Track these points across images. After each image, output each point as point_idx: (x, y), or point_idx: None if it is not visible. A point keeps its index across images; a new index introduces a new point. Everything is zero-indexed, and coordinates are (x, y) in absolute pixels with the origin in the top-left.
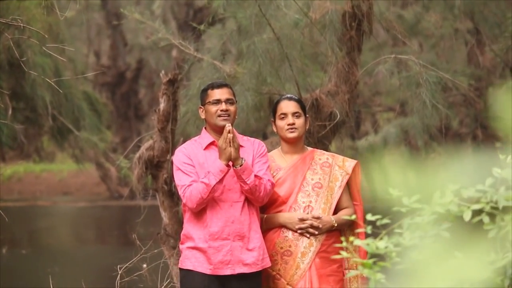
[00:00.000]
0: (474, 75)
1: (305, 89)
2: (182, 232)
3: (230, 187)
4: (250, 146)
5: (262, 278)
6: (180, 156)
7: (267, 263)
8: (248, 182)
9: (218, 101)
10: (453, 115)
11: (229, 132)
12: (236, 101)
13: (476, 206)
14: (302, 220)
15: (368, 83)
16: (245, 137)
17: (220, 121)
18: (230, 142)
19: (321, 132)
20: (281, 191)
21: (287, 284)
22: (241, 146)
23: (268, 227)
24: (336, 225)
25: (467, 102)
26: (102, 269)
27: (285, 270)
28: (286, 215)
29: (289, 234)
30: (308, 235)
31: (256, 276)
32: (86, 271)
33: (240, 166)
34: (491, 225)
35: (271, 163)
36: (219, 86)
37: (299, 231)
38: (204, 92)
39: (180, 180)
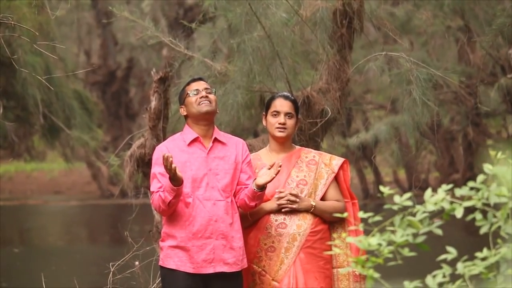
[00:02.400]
0: (465, 73)
1: (296, 86)
2: (163, 230)
3: (213, 185)
4: (233, 146)
5: (248, 275)
6: (158, 156)
7: (245, 264)
8: (254, 205)
9: (197, 91)
10: (444, 112)
11: (276, 166)
12: (215, 93)
13: (468, 203)
14: (280, 196)
15: (359, 81)
16: (227, 135)
17: (203, 107)
18: (172, 170)
19: (312, 129)
20: (266, 189)
21: (272, 280)
22: (223, 143)
23: (253, 218)
24: (314, 204)
25: (458, 100)
26: (94, 267)
27: (269, 266)
28: (268, 203)
29: (272, 230)
30: (292, 206)
31: (238, 275)
32: (78, 269)
33: (261, 191)
34: (483, 221)
35: (257, 162)
36: (195, 80)
37: (280, 206)
38: (182, 91)
39: (151, 183)
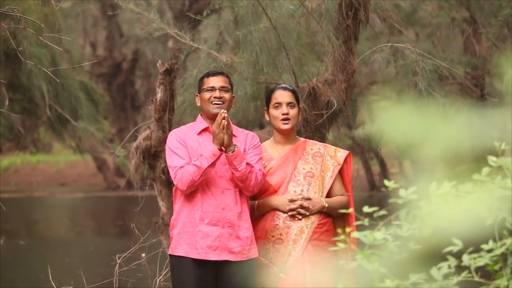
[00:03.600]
0: (471, 64)
1: (302, 78)
2: (173, 217)
3: (222, 174)
4: (243, 138)
5: (254, 266)
6: (174, 138)
7: (254, 254)
8: (239, 169)
9: (212, 88)
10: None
11: (223, 118)
12: (233, 90)
13: (473, 196)
14: (292, 201)
15: (364, 72)
16: (239, 129)
17: (213, 108)
18: (223, 128)
19: (318, 121)
20: (272, 180)
21: (279, 272)
22: (235, 136)
23: (260, 212)
24: (326, 205)
25: (463, 91)
26: (100, 259)
27: (276, 258)
28: (277, 198)
29: (280, 222)
30: (299, 217)
31: (249, 264)
32: (85, 261)
33: (232, 152)
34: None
35: (263, 153)
36: (215, 74)
37: (290, 213)
38: (200, 80)
39: (172, 161)
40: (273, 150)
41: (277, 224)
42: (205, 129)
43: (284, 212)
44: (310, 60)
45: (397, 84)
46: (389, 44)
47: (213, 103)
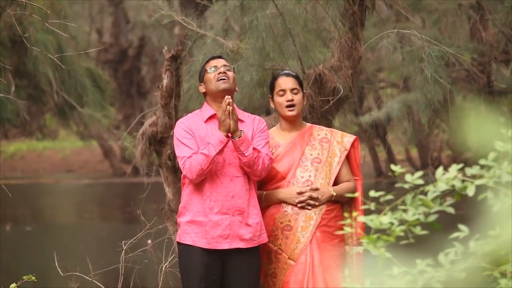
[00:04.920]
0: (477, 50)
1: (308, 64)
2: (180, 205)
3: (230, 162)
4: (250, 122)
5: (263, 253)
6: (181, 128)
7: (264, 239)
8: (246, 154)
9: (215, 68)
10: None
11: (228, 104)
12: (235, 72)
13: (480, 181)
14: (300, 193)
15: (371, 59)
16: (245, 113)
17: (220, 84)
18: (229, 114)
19: (324, 107)
20: (280, 167)
21: (288, 258)
22: (241, 121)
23: (267, 203)
24: (335, 194)
25: (470, 78)
26: (106, 245)
27: (286, 245)
28: (284, 191)
29: (289, 209)
30: (309, 207)
31: (255, 251)
32: (91, 248)
33: (239, 137)
34: (495, 199)
35: (270, 140)
36: (214, 57)
37: (299, 205)
38: (201, 69)
39: (180, 151)
40: (280, 137)
41: (285, 211)
42: (212, 116)
43: (292, 205)
44: (317, 46)
45: (403, 71)
46: (395, 31)
47: (218, 79)
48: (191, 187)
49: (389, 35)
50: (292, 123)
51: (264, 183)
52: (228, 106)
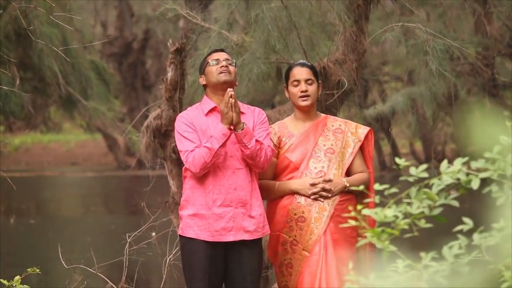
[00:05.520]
0: (482, 44)
1: (312, 57)
2: (182, 199)
3: (232, 154)
4: (251, 114)
5: (278, 244)
6: (182, 121)
7: (267, 231)
8: (249, 147)
9: (217, 61)
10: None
11: (231, 96)
12: (236, 65)
13: (485, 174)
14: (313, 185)
15: (375, 52)
16: (245, 105)
17: (221, 76)
18: (231, 106)
19: (328, 100)
20: (293, 157)
21: (303, 249)
22: (242, 113)
23: (280, 194)
24: (348, 185)
25: (474, 71)
26: (110, 238)
27: (300, 236)
28: (297, 182)
29: (302, 200)
30: (322, 199)
31: (257, 242)
32: (95, 240)
33: (241, 130)
34: (500, 192)
35: (284, 130)
36: (216, 50)
37: (312, 197)
38: (203, 61)
39: (182, 146)
40: (294, 127)
41: (299, 202)
42: (213, 109)
43: (305, 196)
44: (321, 39)
45: (408, 64)
46: (400, 24)
47: (220, 73)
48: (193, 181)
49: (393, 28)
50: (306, 113)
51: (277, 174)
52: (230, 99)
